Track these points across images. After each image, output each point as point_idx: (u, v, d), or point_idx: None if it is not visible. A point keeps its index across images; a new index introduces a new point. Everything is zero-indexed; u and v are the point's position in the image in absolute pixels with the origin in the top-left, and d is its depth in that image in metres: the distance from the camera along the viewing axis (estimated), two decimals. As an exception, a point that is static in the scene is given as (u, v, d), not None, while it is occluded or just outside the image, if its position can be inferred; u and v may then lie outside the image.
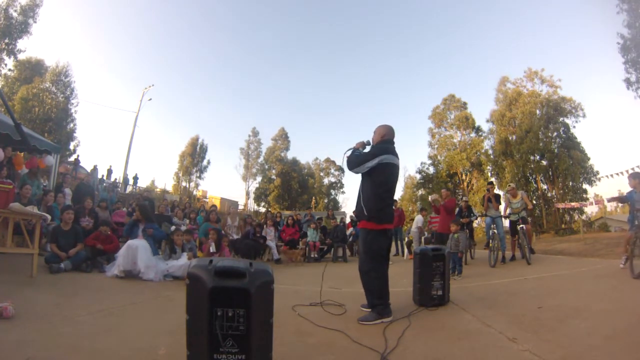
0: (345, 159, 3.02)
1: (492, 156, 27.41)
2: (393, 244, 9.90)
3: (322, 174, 41.52)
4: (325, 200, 39.05)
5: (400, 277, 4.96)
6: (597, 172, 22.29)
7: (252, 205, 36.06)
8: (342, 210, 32.56)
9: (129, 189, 23.06)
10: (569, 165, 22.35)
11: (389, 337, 2.24)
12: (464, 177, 29.56)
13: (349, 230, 9.75)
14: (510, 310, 2.94)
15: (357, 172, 2.93)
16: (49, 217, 4.54)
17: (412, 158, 79.52)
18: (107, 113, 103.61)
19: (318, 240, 8.51)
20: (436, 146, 31.26)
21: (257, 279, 1.49)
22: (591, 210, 23.78)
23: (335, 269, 7.03)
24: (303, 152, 70.33)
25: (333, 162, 41.56)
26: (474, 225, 8.60)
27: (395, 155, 2.98)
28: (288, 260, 7.51)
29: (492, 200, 6.81)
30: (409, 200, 33.39)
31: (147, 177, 56.71)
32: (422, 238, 8.62)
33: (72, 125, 24.00)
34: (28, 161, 6.90)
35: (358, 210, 2.96)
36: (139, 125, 26.35)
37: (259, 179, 38.28)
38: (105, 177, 21.09)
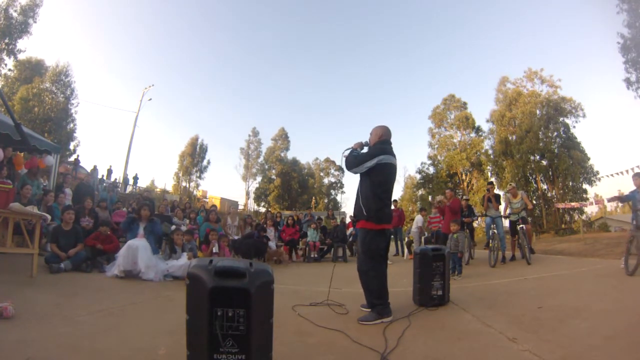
0: (344, 159, 3.05)
1: (492, 156, 27.42)
2: (393, 243, 9.90)
3: (322, 174, 41.54)
4: (325, 200, 39.07)
5: (400, 277, 4.96)
6: (597, 172, 22.31)
7: (252, 205, 36.08)
8: (342, 210, 32.56)
9: (129, 189, 23.06)
10: (569, 165, 22.35)
11: (389, 337, 2.24)
12: (464, 177, 29.57)
13: (349, 230, 9.76)
14: (510, 310, 2.94)
15: (355, 172, 2.96)
16: (49, 217, 4.54)
17: (412, 158, 79.76)
18: (107, 113, 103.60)
19: (318, 240, 8.51)
20: (436, 146, 31.26)
21: (257, 279, 1.49)
22: (591, 210, 23.82)
23: (335, 269, 7.02)
24: (303, 152, 70.50)
25: (333, 162, 41.58)
26: (474, 225, 8.59)
27: (393, 155, 3.00)
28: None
29: (492, 200, 6.81)
30: (409, 200, 33.41)
31: (147, 177, 56.67)
32: (422, 238, 8.62)
33: (72, 125, 24.03)
34: (28, 161, 6.90)
35: (357, 210, 2.98)
36: (139, 125, 26.40)
37: (259, 179, 38.32)
38: (105, 177, 21.09)
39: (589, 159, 22.90)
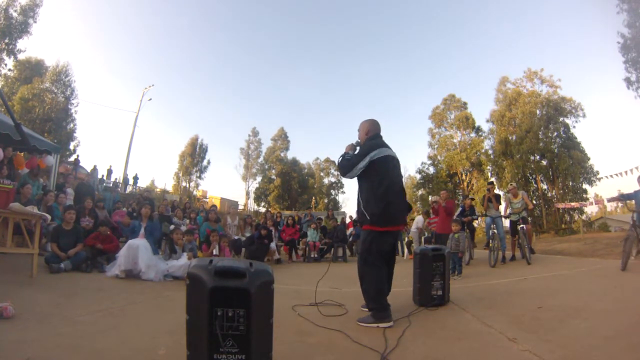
0: (338, 166, 2.86)
1: (492, 156, 27.43)
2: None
3: (322, 174, 41.51)
4: (325, 200, 39.04)
5: (400, 277, 4.93)
6: (597, 172, 22.33)
7: (252, 205, 36.07)
8: (342, 210, 32.56)
9: (129, 189, 23.05)
10: (569, 165, 22.37)
11: (389, 337, 2.24)
12: (464, 177, 29.58)
13: (349, 230, 9.76)
14: (510, 310, 2.94)
15: (351, 177, 2.76)
16: (48, 217, 4.54)
17: (412, 158, 79.65)
18: (107, 113, 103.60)
19: (318, 240, 8.51)
20: (436, 146, 31.27)
21: (257, 279, 1.49)
22: (591, 210, 23.85)
23: (335, 269, 7.03)
24: (303, 152, 70.39)
25: (333, 162, 41.53)
26: (474, 225, 8.59)
27: (387, 147, 2.79)
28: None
29: (492, 200, 6.82)
30: (409, 200, 33.34)
31: (147, 177, 56.68)
32: (422, 238, 8.62)
33: (72, 125, 24.06)
34: (28, 161, 6.90)
35: (360, 216, 2.77)
36: (139, 125, 26.38)
37: (259, 179, 38.31)
38: (105, 177, 21.09)
39: (589, 159, 22.93)
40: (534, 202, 22.96)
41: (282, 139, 38.94)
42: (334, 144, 69.42)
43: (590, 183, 22.54)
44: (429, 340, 2.28)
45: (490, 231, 6.48)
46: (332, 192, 41.30)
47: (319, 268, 7.03)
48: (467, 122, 30.13)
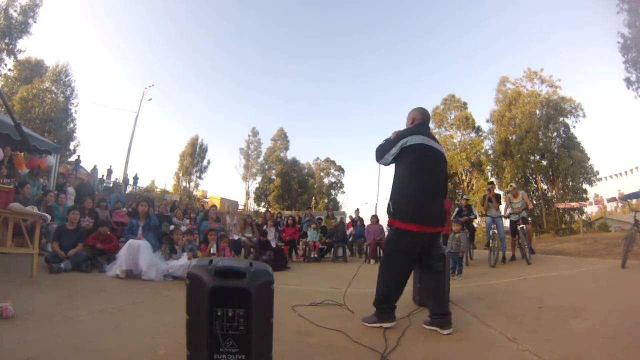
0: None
1: (492, 156, 27.43)
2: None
3: (322, 174, 41.53)
4: (325, 200, 39.05)
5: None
6: (597, 172, 22.34)
7: (252, 205, 36.08)
8: (342, 210, 32.56)
9: (129, 189, 23.06)
10: (569, 165, 22.38)
11: (389, 337, 2.24)
12: (464, 177, 29.58)
13: (349, 230, 9.76)
14: (510, 310, 2.94)
15: (383, 164, 2.55)
16: (48, 217, 4.54)
17: (412, 158, 79.21)
18: (107, 113, 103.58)
19: (318, 240, 8.51)
20: (436, 146, 31.24)
21: (257, 279, 1.49)
22: (591, 210, 23.86)
23: (335, 269, 7.03)
24: (303, 152, 70.37)
25: (333, 162, 41.62)
26: (474, 225, 8.60)
27: (427, 136, 2.48)
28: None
29: (492, 200, 6.82)
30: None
31: (147, 177, 56.65)
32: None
33: (72, 125, 24.08)
34: (28, 161, 6.91)
35: (387, 208, 2.51)
36: (139, 125, 26.36)
37: (259, 179, 38.33)
38: (105, 177, 21.10)
39: (589, 159, 22.94)
40: (534, 202, 22.96)
41: (282, 139, 38.95)
42: (334, 144, 69.43)
43: (590, 183, 22.56)
44: (429, 340, 2.28)
45: (491, 231, 6.48)
46: (332, 192, 41.33)
47: (319, 268, 7.04)
48: (467, 122, 30.15)
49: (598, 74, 54.16)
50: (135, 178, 25.20)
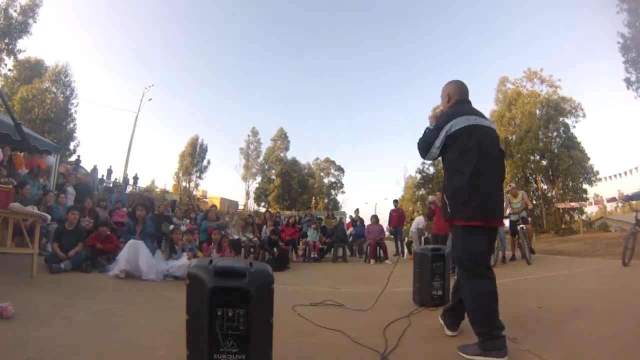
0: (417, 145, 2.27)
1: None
2: (392, 243, 9.91)
3: (322, 174, 41.56)
4: (325, 200, 39.07)
5: (400, 277, 4.95)
6: (597, 172, 22.35)
7: (252, 205, 36.10)
8: (342, 210, 32.58)
9: (129, 189, 23.05)
10: (569, 165, 22.39)
11: (389, 337, 2.24)
12: (464, 177, 29.52)
13: (349, 230, 9.76)
14: (510, 310, 2.93)
15: (431, 159, 2.24)
16: (48, 217, 4.54)
17: (412, 158, 79.59)
18: (107, 113, 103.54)
19: (318, 240, 8.51)
20: (436, 146, 31.25)
21: (257, 279, 1.49)
22: (591, 210, 23.87)
23: (335, 269, 7.03)
24: (303, 152, 70.36)
25: (333, 162, 41.65)
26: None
27: (472, 114, 2.07)
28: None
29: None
30: (409, 200, 33.41)
31: (147, 177, 56.66)
32: (422, 238, 8.63)
33: (72, 125, 24.08)
34: (28, 161, 6.91)
35: (443, 207, 2.20)
36: (139, 125, 26.33)
37: (259, 179, 38.35)
38: (105, 177, 21.09)
39: (589, 159, 22.96)
40: (534, 202, 22.97)
41: (282, 139, 38.98)
42: (334, 144, 69.51)
43: (590, 183, 22.57)
44: (429, 340, 2.28)
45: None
46: (332, 192, 41.37)
47: (319, 268, 7.04)
48: (467, 122, 30.13)
49: (598, 74, 54.16)
50: (135, 178, 25.21)
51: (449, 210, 2.07)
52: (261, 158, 38.67)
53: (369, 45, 66.93)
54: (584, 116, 23.94)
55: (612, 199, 17.80)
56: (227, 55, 63.79)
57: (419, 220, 9.15)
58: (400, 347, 2.08)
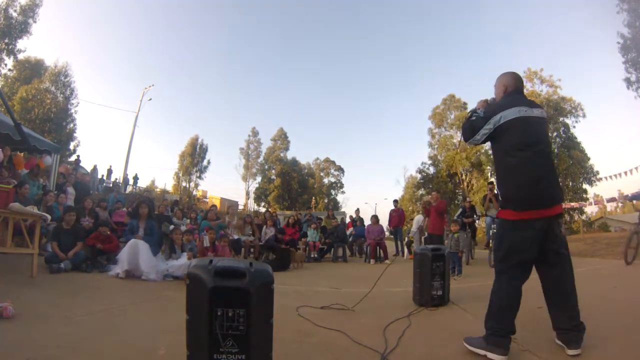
0: (462, 127, 2.33)
1: (492, 156, 27.36)
2: (392, 243, 9.91)
3: (322, 174, 41.56)
4: (325, 200, 39.08)
5: (400, 277, 4.96)
6: (597, 172, 22.35)
7: (252, 205, 36.10)
8: (342, 210, 32.58)
9: (129, 189, 23.05)
10: (569, 165, 22.40)
11: (389, 337, 2.24)
12: (464, 177, 29.60)
13: (349, 230, 9.76)
14: (510, 310, 2.93)
15: (473, 144, 2.28)
16: (48, 217, 4.54)
17: (413, 158, 79.82)
18: (107, 113, 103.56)
19: (318, 240, 8.51)
20: (436, 146, 31.34)
21: (257, 279, 1.49)
22: (591, 210, 23.85)
23: (335, 269, 7.04)
24: (303, 152, 70.39)
25: (333, 162, 41.65)
26: (475, 225, 8.63)
27: (527, 105, 2.08)
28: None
29: (492, 200, 6.84)
30: (409, 200, 33.42)
31: (147, 177, 56.63)
32: (422, 238, 8.64)
33: (72, 125, 24.06)
34: (27, 161, 6.91)
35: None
36: (139, 125, 26.30)
37: (259, 179, 38.34)
38: (105, 177, 21.08)
39: (589, 159, 22.95)
40: (534, 202, 22.95)
41: (282, 139, 38.98)
42: (334, 144, 69.54)
43: (590, 183, 22.57)
44: (429, 340, 2.28)
45: (490, 231, 6.50)
46: (332, 192, 41.36)
47: (319, 268, 7.04)
48: (467, 122, 30.14)
49: (598, 74, 54.15)
50: (135, 178, 25.19)
51: (500, 200, 2.12)
52: (261, 158, 38.68)
53: (370, 46, 66.96)
54: (584, 116, 23.97)
55: (612, 199, 17.80)
56: (227, 55, 63.83)
57: (419, 219, 9.15)
58: (400, 347, 2.08)
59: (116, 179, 22.99)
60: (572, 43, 50.07)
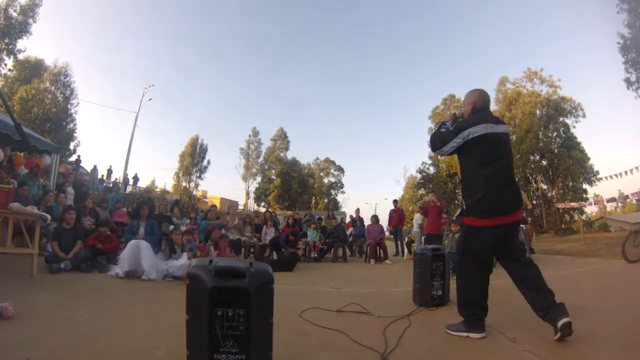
0: (430, 137, 2.50)
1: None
2: (392, 243, 9.91)
3: (322, 174, 41.55)
4: (325, 200, 39.07)
5: (400, 277, 4.96)
6: (597, 172, 22.36)
7: (252, 205, 36.09)
8: (342, 210, 32.56)
9: (129, 189, 23.04)
10: (569, 165, 22.40)
11: (389, 337, 2.24)
12: (464, 177, 29.54)
13: (349, 230, 9.76)
14: (510, 310, 2.93)
15: (441, 155, 2.51)
16: (48, 217, 4.53)
17: (413, 158, 79.90)
18: (107, 113, 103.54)
19: (318, 240, 8.51)
20: (436, 146, 31.26)
21: (257, 279, 1.49)
22: (591, 210, 23.85)
23: (335, 269, 7.03)
24: (303, 152, 70.36)
25: (333, 162, 41.64)
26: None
27: (493, 121, 2.29)
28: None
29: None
30: (409, 200, 33.42)
31: (147, 177, 56.62)
32: (423, 238, 8.64)
33: (72, 125, 24.07)
34: (27, 161, 6.90)
35: (462, 207, 2.55)
36: (139, 125, 26.30)
37: (259, 179, 38.33)
38: (105, 177, 21.08)
39: (589, 159, 22.96)
40: (534, 202, 22.98)
41: (282, 139, 38.97)
42: (334, 144, 69.51)
43: (590, 183, 22.58)
44: (429, 340, 2.28)
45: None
46: (332, 192, 41.34)
47: (319, 268, 7.03)
48: (467, 122, 30.13)
49: (598, 74, 54.11)
50: (135, 178, 25.20)
51: (464, 208, 2.33)
52: (261, 158, 38.68)
53: (369, 46, 66.96)
54: (584, 116, 23.98)
55: (612, 199, 17.81)
56: (227, 56, 63.82)
57: (419, 217, 9.15)
58: (400, 347, 2.08)
59: (116, 179, 23.00)
60: (572, 43, 50.09)
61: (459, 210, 7.71)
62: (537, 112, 24.50)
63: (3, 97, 5.28)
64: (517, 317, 2.68)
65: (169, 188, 33.43)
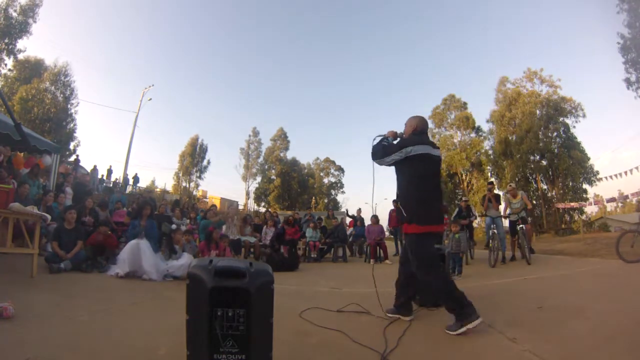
0: (371, 147, 2.78)
1: (492, 156, 27.45)
2: (392, 243, 9.90)
3: (322, 174, 41.55)
4: (325, 200, 39.07)
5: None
6: (597, 172, 22.35)
7: (252, 205, 36.09)
8: (342, 210, 32.54)
9: (129, 189, 23.03)
10: (569, 165, 22.40)
11: (389, 337, 2.24)
12: (464, 177, 29.60)
13: (349, 230, 9.75)
14: (510, 310, 2.94)
15: (380, 164, 2.72)
16: (48, 217, 4.53)
17: (412, 158, 79.52)
18: (107, 113, 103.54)
19: (318, 240, 8.51)
20: (436, 146, 31.30)
21: (257, 279, 1.49)
22: (591, 210, 23.86)
23: (335, 269, 7.03)
24: (303, 152, 70.40)
25: (333, 162, 41.64)
26: (474, 225, 8.62)
27: (431, 145, 2.67)
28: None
29: (492, 201, 6.83)
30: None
31: (147, 177, 56.57)
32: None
33: (72, 125, 24.07)
34: (27, 161, 6.90)
35: (398, 213, 2.76)
36: (139, 125, 26.30)
37: (259, 179, 38.32)
38: (105, 177, 21.07)
39: (589, 159, 22.96)
40: (534, 202, 22.98)
41: (282, 139, 38.97)
42: (334, 144, 69.55)
43: (590, 183, 22.57)
44: (429, 340, 2.28)
45: (490, 231, 6.49)
46: (332, 192, 41.34)
47: (319, 268, 7.03)
48: (467, 122, 30.16)
49: (598, 74, 54.07)
50: (136, 178, 25.17)
51: (405, 215, 2.59)
52: (261, 158, 38.66)
53: (369, 46, 66.94)
54: (584, 116, 23.97)
55: (612, 199, 17.81)
56: (227, 55, 63.81)
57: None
58: (400, 347, 2.08)
59: (116, 179, 22.99)
60: (572, 43, 50.14)
61: (456, 210, 7.71)
62: (537, 112, 24.48)
63: (3, 97, 5.27)
64: (517, 317, 2.68)
65: (169, 188, 33.45)
